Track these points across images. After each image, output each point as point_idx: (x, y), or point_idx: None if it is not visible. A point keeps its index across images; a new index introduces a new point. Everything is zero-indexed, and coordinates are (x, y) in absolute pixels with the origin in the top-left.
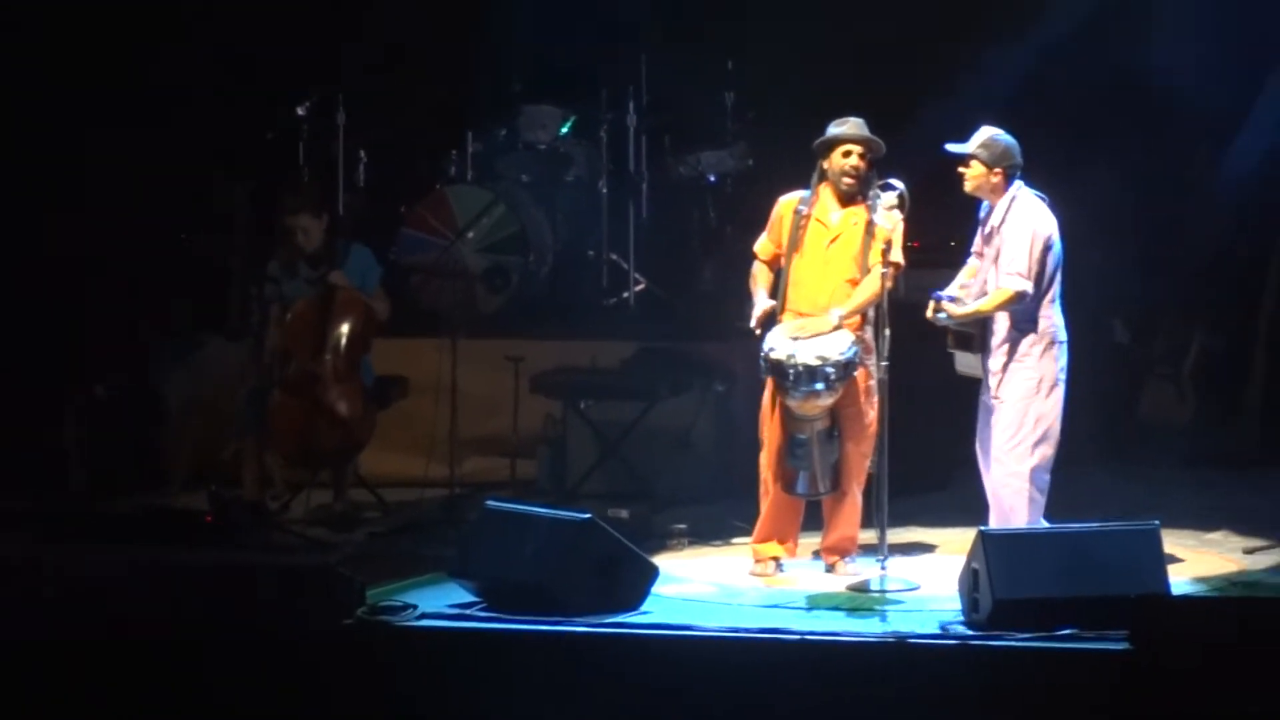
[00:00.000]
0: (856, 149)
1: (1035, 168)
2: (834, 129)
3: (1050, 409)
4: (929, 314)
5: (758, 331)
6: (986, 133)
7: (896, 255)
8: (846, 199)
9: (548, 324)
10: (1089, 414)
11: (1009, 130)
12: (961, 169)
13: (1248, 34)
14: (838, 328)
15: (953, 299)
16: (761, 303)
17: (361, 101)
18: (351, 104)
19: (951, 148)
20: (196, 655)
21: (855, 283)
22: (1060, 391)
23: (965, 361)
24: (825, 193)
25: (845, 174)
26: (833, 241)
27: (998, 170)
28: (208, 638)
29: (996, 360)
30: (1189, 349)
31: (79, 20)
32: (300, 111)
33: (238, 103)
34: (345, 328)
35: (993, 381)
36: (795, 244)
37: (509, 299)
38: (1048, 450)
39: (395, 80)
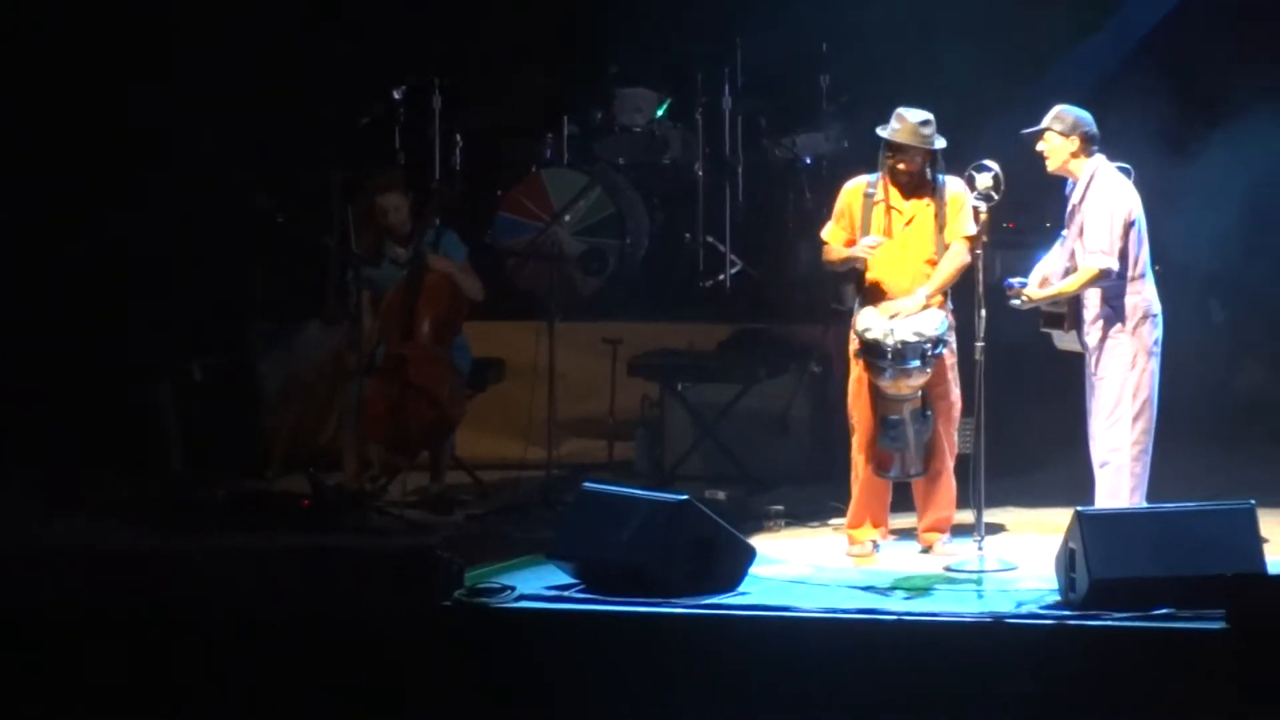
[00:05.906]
0: (904, 154)
1: (1145, 143)
2: (890, 125)
3: (1145, 382)
4: (1011, 302)
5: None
6: (1055, 109)
7: (969, 228)
8: (910, 189)
9: (644, 307)
10: (1185, 393)
11: (1112, 107)
12: (1041, 148)
13: None
14: (927, 306)
15: (1024, 284)
16: (858, 247)
17: (457, 86)
18: (447, 88)
19: (1026, 131)
20: (296, 637)
21: (934, 262)
22: (1155, 365)
23: (1062, 338)
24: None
25: (896, 174)
26: (908, 224)
27: (1074, 137)
28: (307, 621)
29: (1092, 337)
30: None
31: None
32: (396, 96)
33: (334, 87)
34: (434, 310)
35: (1091, 360)
36: (868, 230)
37: (605, 282)
38: (1146, 424)
39: (491, 64)
